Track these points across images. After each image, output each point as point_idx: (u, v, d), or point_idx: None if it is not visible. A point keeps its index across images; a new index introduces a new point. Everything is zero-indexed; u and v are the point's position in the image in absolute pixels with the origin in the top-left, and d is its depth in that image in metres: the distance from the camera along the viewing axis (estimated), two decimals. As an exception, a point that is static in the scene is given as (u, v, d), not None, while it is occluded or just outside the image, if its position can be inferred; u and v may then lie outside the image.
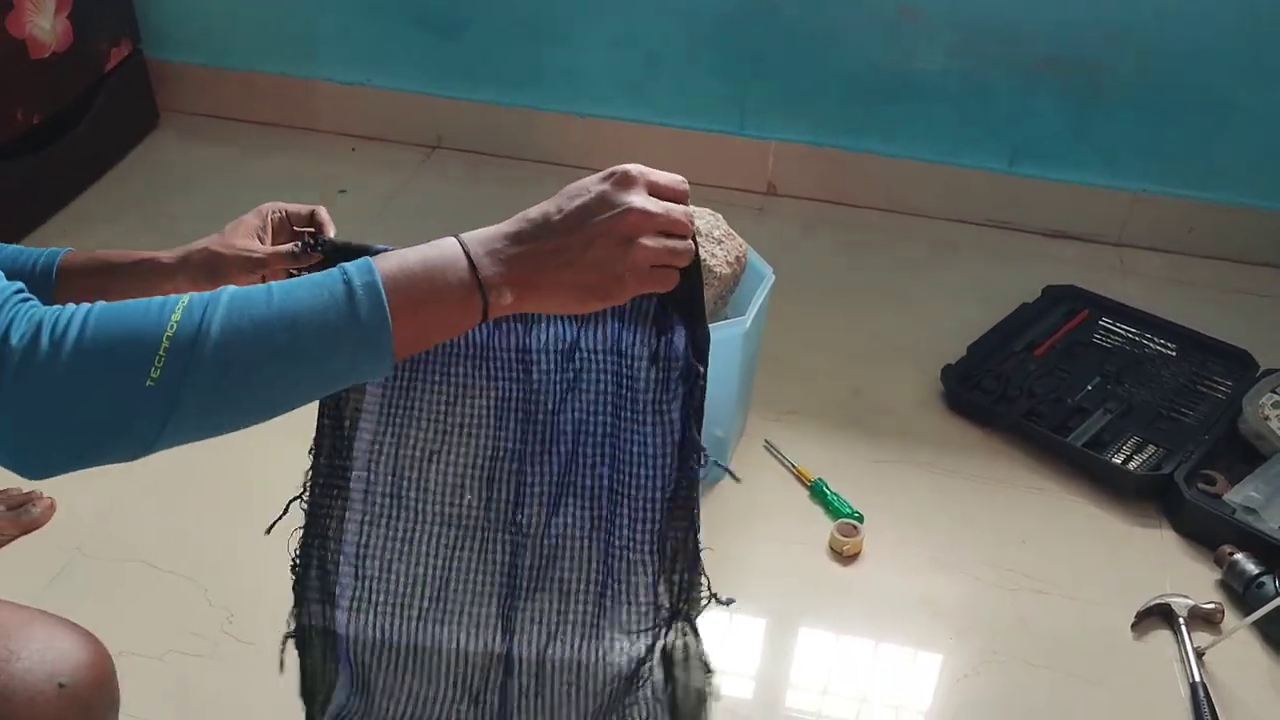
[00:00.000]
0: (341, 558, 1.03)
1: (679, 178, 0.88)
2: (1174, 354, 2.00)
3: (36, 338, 0.71)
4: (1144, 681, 1.49)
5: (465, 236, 0.81)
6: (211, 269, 0.99)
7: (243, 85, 2.59)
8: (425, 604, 1.02)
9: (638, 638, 1.02)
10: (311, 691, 1.08)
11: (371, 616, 1.03)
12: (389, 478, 1.01)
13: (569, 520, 1.00)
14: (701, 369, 0.95)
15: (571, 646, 1.02)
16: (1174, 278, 2.26)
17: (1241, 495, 1.68)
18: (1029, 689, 1.47)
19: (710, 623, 1.55)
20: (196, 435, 0.77)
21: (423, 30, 2.46)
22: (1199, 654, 1.50)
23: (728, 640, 1.53)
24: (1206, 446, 1.77)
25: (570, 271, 0.81)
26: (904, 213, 2.41)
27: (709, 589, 1.05)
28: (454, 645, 1.02)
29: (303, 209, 1.04)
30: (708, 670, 1.07)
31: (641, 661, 1.03)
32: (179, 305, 0.73)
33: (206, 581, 1.55)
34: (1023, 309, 2.08)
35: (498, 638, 1.02)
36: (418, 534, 1.01)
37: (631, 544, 0.99)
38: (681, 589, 1.02)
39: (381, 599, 1.02)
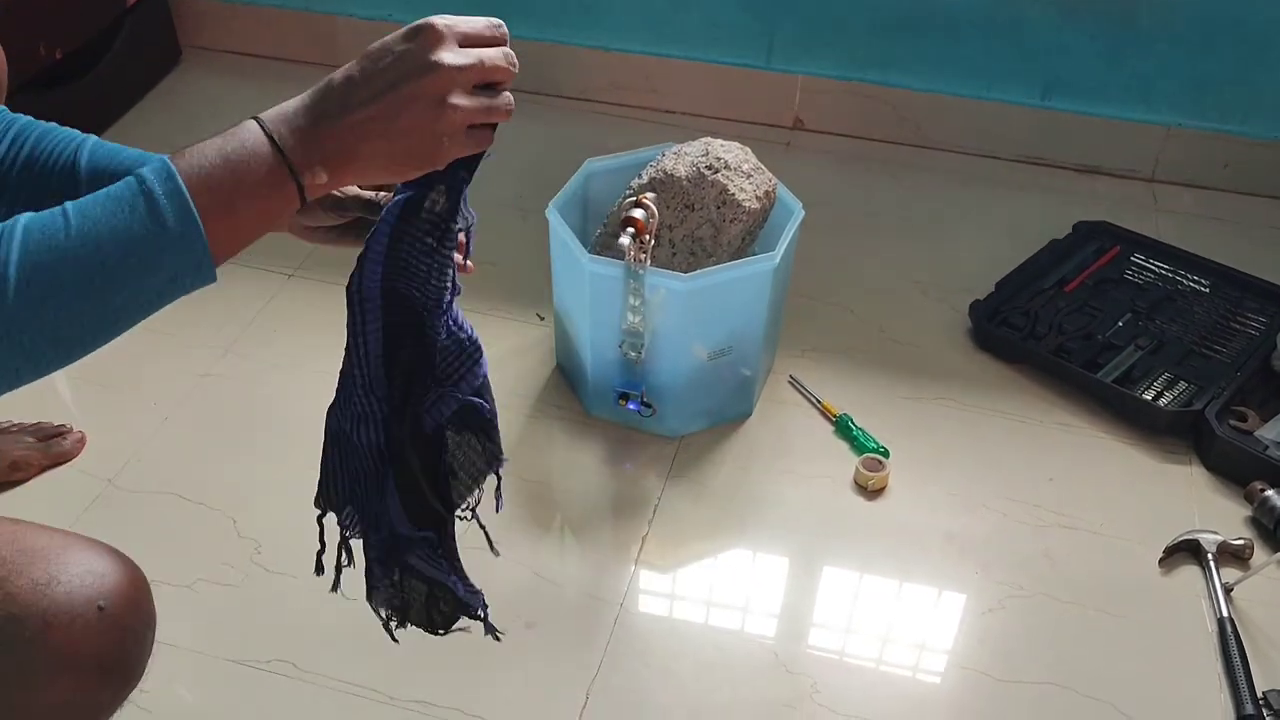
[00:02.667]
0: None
1: (493, 20, 0.80)
2: (1206, 290, 1.97)
3: None
4: (1171, 617, 1.48)
5: (265, 116, 0.76)
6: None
7: (265, 20, 2.57)
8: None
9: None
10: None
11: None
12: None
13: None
14: (466, 216, 0.87)
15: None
16: (1208, 214, 2.23)
17: (1273, 432, 1.67)
18: (1055, 624, 1.47)
19: (734, 557, 1.56)
20: (25, 376, 0.73)
21: (445, -37, 2.43)
22: (1227, 590, 1.49)
23: (752, 574, 1.54)
24: (1238, 383, 1.75)
25: (383, 141, 0.76)
26: (933, 148, 2.37)
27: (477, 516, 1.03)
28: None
29: None
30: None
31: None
32: None
33: (235, 513, 1.57)
34: (1053, 245, 2.05)
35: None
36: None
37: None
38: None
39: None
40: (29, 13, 2.08)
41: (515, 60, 0.80)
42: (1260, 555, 1.54)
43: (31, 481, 1.60)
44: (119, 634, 0.90)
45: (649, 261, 1.46)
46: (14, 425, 1.63)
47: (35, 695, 0.86)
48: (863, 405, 1.75)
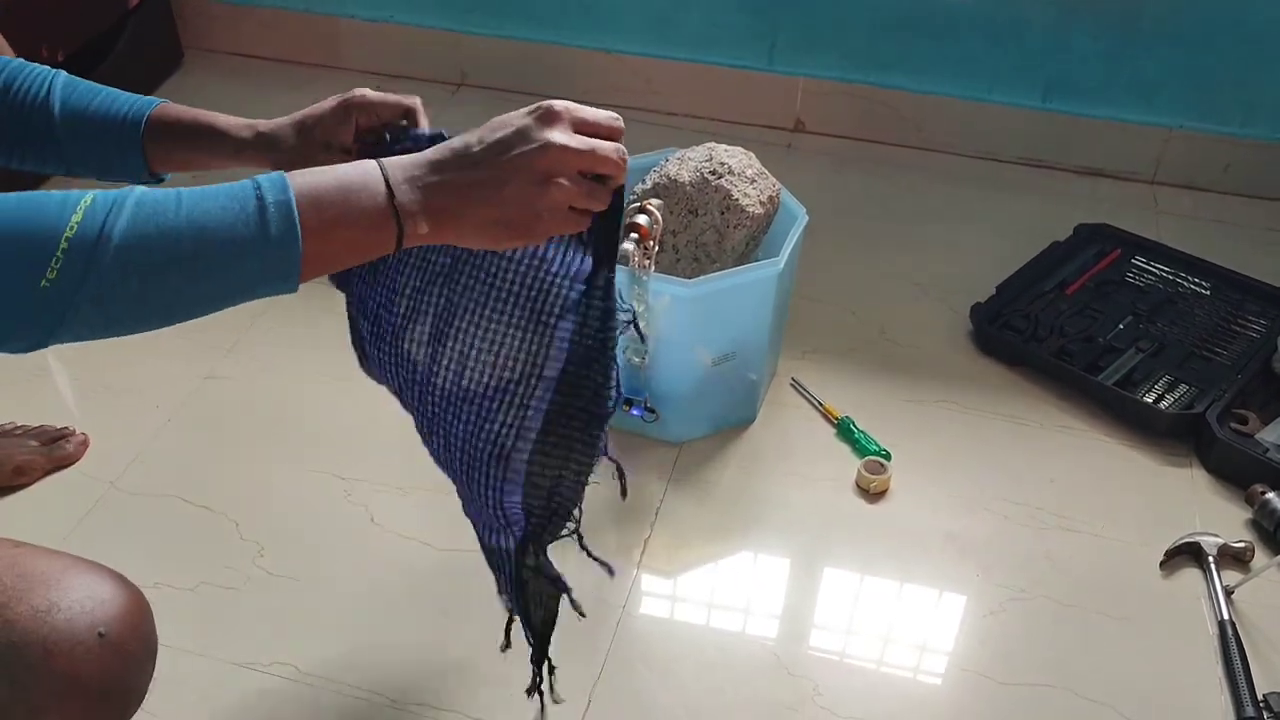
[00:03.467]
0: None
1: (611, 114, 0.84)
2: (1207, 293, 1.97)
3: None
4: (1172, 620, 1.49)
5: (386, 161, 0.79)
6: (291, 150, 0.99)
7: (267, 22, 2.58)
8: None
9: (498, 534, 1.03)
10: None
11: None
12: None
13: (468, 385, 0.98)
14: (613, 310, 0.93)
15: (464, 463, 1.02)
16: (1209, 216, 2.23)
17: (1274, 434, 1.67)
18: (1056, 626, 1.47)
19: (736, 560, 1.56)
20: (91, 337, 0.74)
21: (447, -35, 2.43)
22: (1228, 592, 1.49)
23: (753, 576, 1.54)
24: (1239, 386, 1.75)
25: (487, 207, 0.79)
26: (934, 150, 2.37)
27: (578, 533, 1.06)
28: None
29: (393, 101, 1.00)
30: (557, 589, 1.08)
31: (497, 551, 1.05)
32: (81, 204, 0.71)
33: (238, 516, 1.57)
34: (1054, 247, 2.06)
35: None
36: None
37: (495, 450, 0.98)
38: (544, 516, 1.02)
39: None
40: (31, 14, 2.08)
41: (626, 155, 0.83)
42: (1261, 558, 1.55)
43: (34, 485, 1.60)
44: (120, 660, 0.89)
45: (653, 267, 1.46)
46: (17, 429, 1.64)
47: None
48: (864, 408, 1.76)
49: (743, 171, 1.62)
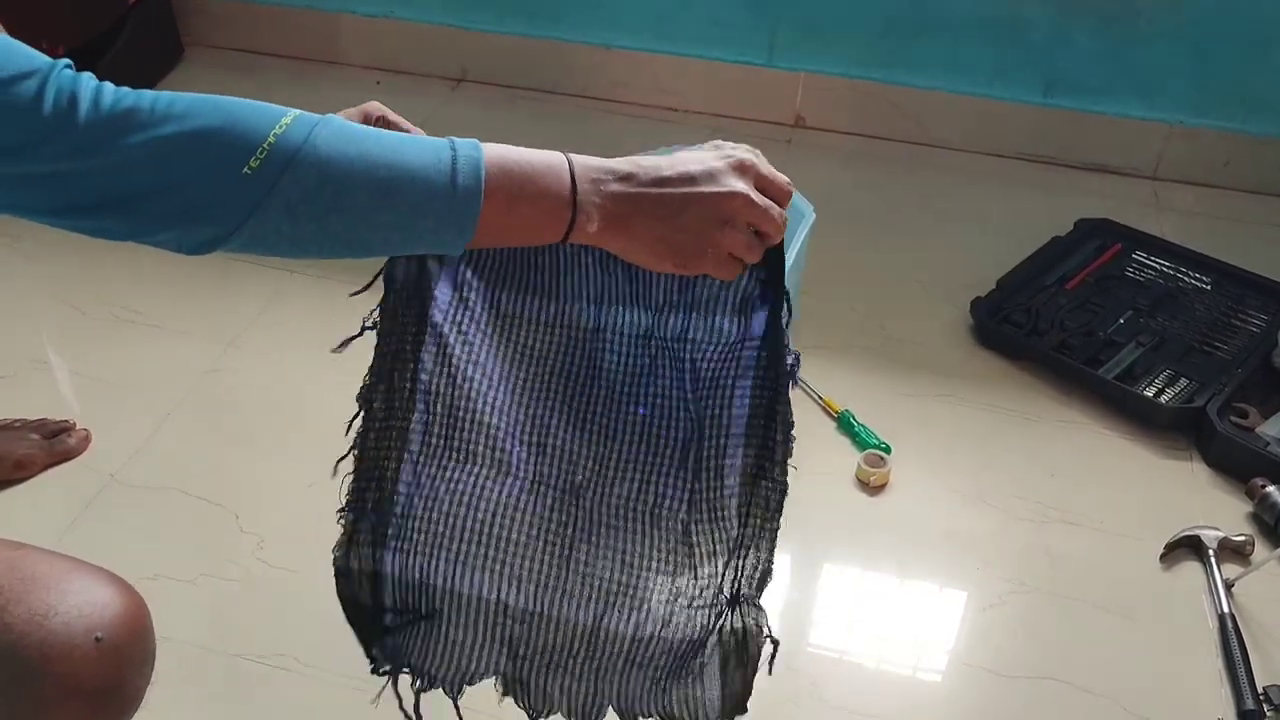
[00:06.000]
0: (396, 497, 1.00)
1: (786, 179, 0.89)
2: (1208, 288, 1.97)
3: (137, 103, 0.72)
4: (1172, 613, 1.48)
5: (573, 157, 0.82)
6: None
7: (267, 18, 2.58)
8: (467, 547, 0.98)
9: (697, 614, 0.99)
10: (360, 629, 1.05)
11: (413, 558, 0.99)
12: (445, 418, 0.99)
13: (632, 492, 0.98)
14: (790, 351, 0.97)
15: (628, 619, 0.98)
16: (1209, 212, 2.23)
17: (1275, 428, 1.67)
18: (1056, 620, 1.47)
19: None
20: (268, 244, 0.76)
21: (447, -39, 2.43)
22: (1228, 586, 1.49)
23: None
24: (1239, 380, 1.75)
25: (661, 226, 0.82)
26: (935, 145, 2.37)
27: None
28: (493, 596, 0.99)
29: (404, 123, 1.01)
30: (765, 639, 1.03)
31: (700, 642, 0.99)
32: (291, 113, 0.75)
33: (238, 509, 1.57)
34: (1055, 242, 2.05)
35: (544, 596, 0.99)
36: (467, 476, 0.98)
37: (700, 521, 0.99)
38: (754, 572, 1.00)
39: (423, 539, 0.99)
40: (31, 9, 2.08)
41: (786, 220, 0.88)
42: (1261, 551, 1.55)
43: (35, 478, 1.60)
44: (117, 664, 0.89)
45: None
46: (17, 422, 1.64)
47: None
48: (865, 401, 1.76)
49: (744, 166, 1.61)
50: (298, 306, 1.92)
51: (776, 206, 0.87)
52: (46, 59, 0.72)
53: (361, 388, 1.02)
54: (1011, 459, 1.69)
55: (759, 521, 0.99)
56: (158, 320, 1.89)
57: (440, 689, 1.04)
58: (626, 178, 0.83)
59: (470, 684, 1.04)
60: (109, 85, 0.73)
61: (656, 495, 0.98)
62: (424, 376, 0.99)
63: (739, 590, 0.99)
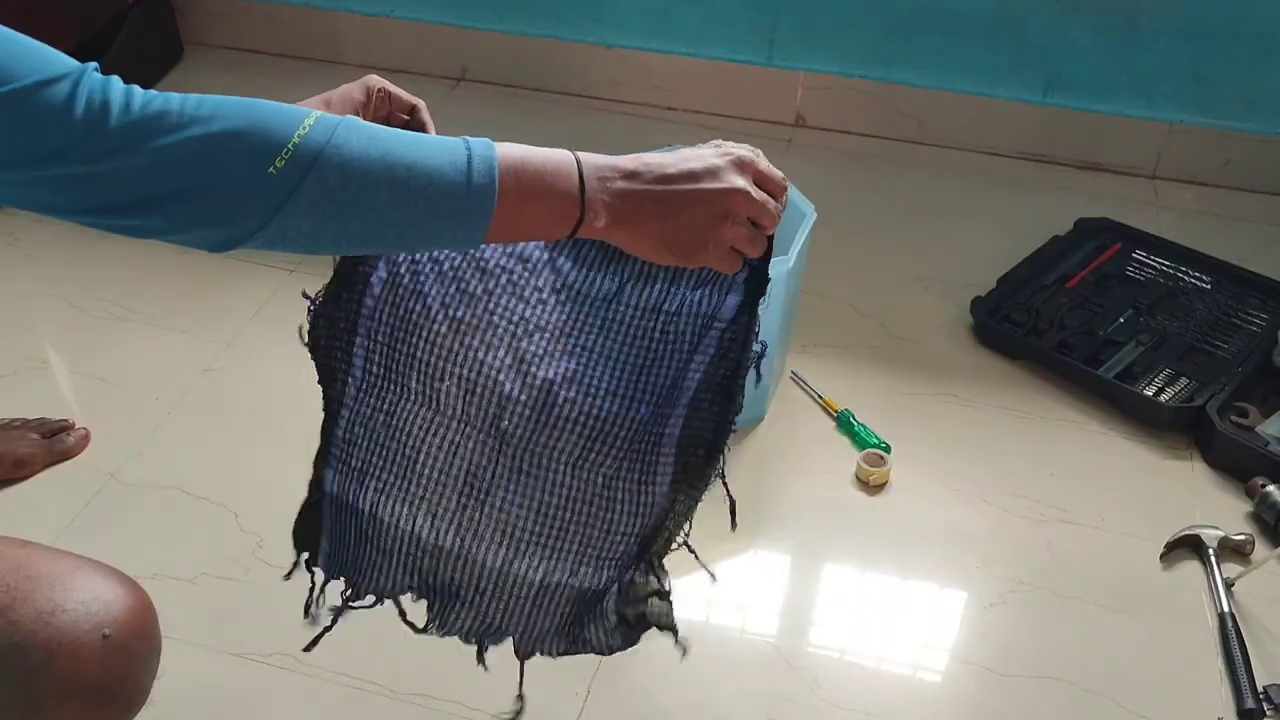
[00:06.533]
0: (339, 419, 1.06)
1: (781, 174, 0.93)
2: (1208, 287, 1.97)
3: (166, 106, 0.74)
4: (1172, 612, 1.48)
5: (581, 155, 0.84)
6: None
7: (267, 17, 2.57)
8: (390, 477, 1.04)
9: (604, 567, 1.05)
10: (297, 541, 1.15)
11: (346, 479, 1.07)
12: (385, 349, 1.03)
13: (559, 443, 1.01)
14: (758, 337, 0.99)
15: (535, 565, 1.04)
16: (1209, 211, 2.22)
17: (1274, 427, 1.67)
18: (1056, 618, 1.47)
19: (735, 552, 1.56)
20: (289, 241, 0.78)
21: (447, -41, 2.43)
22: (1228, 585, 1.49)
23: (753, 569, 1.54)
24: (1240, 379, 1.75)
25: (664, 223, 0.85)
26: (934, 144, 2.37)
27: (688, 542, 1.09)
28: (409, 527, 1.05)
29: (405, 96, 1.05)
30: (663, 600, 1.10)
31: (603, 592, 1.07)
32: (313, 115, 0.76)
33: (238, 508, 1.57)
34: (1054, 241, 2.05)
35: (454, 535, 1.04)
36: (400, 408, 1.03)
37: (628, 480, 1.02)
38: (667, 538, 1.06)
39: (356, 463, 1.06)
40: (30, 10, 2.08)
41: (782, 214, 0.92)
42: (1261, 550, 1.54)
43: (34, 477, 1.60)
44: (123, 661, 0.90)
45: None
46: (16, 422, 1.64)
47: None
48: (864, 401, 1.75)
49: (745, 165, 1.61)
50: (296, 306, 1.91)
51: (773, 200, 0.90)
52: (75, 62, 0.74)
53: (309, 305, 1.08)
54: (1011, 458, 1.69)
55: (684, 493, 1.03)
56: (157, 319, 1.89)
57: (361, 602, 1.12)
58: (632, 175, 0.85)
59: (387, 598, 1.11)
60: (137, 88, 0.75)
61: (584, 449, 1.01)
62: (369, 302, 1.02)
63: (652, 552, 1.05)
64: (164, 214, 0.74)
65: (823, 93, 2.38)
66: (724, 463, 1.03)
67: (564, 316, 1.02)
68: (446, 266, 1.01)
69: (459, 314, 1.00)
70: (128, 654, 0.90)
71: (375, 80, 1.03)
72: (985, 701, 1.38)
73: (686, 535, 1.08)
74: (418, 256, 1.01)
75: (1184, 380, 1.78)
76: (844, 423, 1.72)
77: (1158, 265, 2.01)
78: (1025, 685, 1.39)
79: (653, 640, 1.42)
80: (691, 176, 0.86)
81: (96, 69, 0.75)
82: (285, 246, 0.78)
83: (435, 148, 0.79)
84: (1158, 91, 2.23)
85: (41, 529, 1.51)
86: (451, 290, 1.00)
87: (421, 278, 1.00)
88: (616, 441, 1.00)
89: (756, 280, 0.96)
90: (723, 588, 1.51)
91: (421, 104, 1.06)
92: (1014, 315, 1.90)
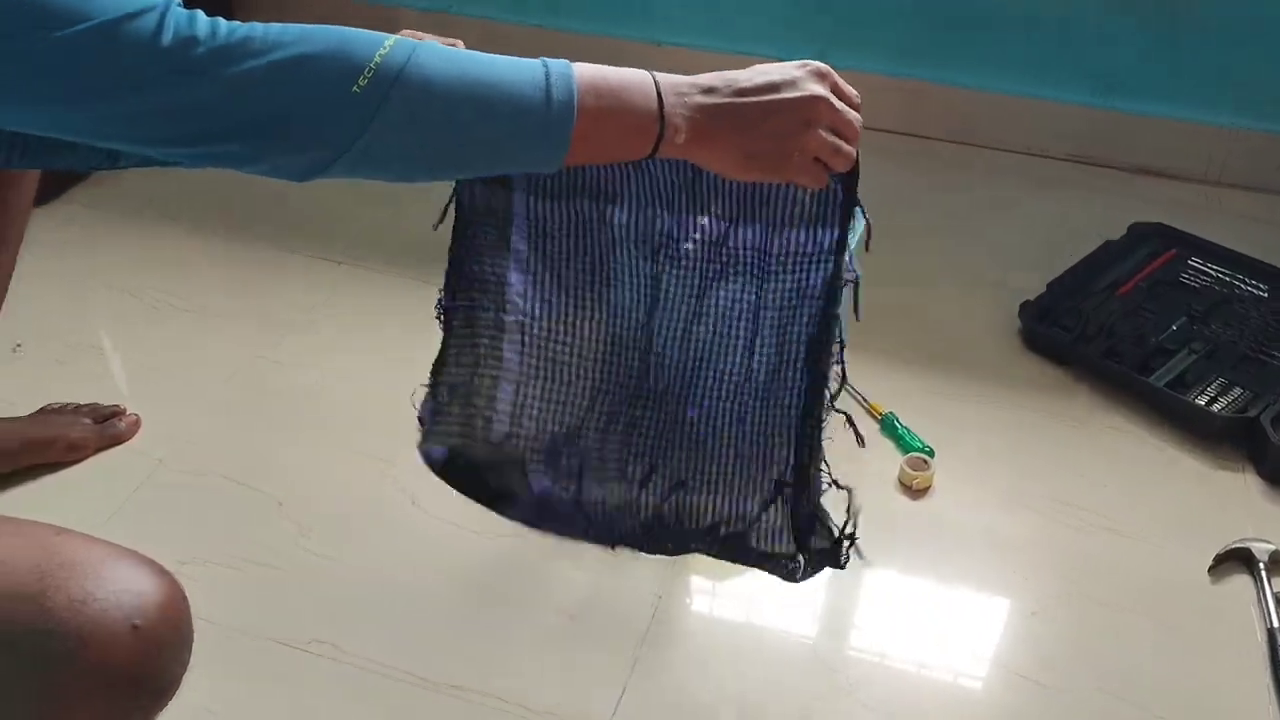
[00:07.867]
0: (495, 415, 1.10)
1: (856, 91, 0.92)
2: (1265, 295, 1.93)
3: (250, 32, 0.76)
4: (1219, 626, 1.46)
5: (658, 74, 0.85)
6: None
7: (331, 7, 2.59)
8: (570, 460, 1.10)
9: (757, 499, 1.14)
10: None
11: (518, 443, 1.11)
12: (541, 343, 1.07)
13: (706, 394, 1.06)
14: (851, 270, 1.03)
15: (698, 495, 1.09)
16: (1267, 217, 2.18)
17: (1330, 440, 1.63)
18: (1099, 629, 1.45)
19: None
20: (375, 163, 0.78)
21: (500, -44, 2.44)
22: (1278, 600, 1.46)
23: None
24: (1295, 390, 1.72)
25: (745, 135, 0.85)
26: (984, 146, 2.35)
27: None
28: (587, 496, 1.11)
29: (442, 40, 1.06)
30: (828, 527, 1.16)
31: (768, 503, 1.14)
32: (392, 38, 0.78)
33: (282, 496, 1.59)
34: (1107, 246, 2.02)
35: (623, 482, 1.09)
36: (559, 388, 1.08)
37: (763, 425, 1.10)
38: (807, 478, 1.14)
39: (528, 428, 1.10)
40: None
41: (862, 127, 0.91)
42: (1313, 565, 1.51)
43: (86, 461, 1.63)
44: (154, 652, 0.89)
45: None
46: (70, 406, 1.67)
47: (67, 713, 0.86)
48: (909, 404, 1.74)
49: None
50: (346, 298, 1.94)
51: (854, 113, 0.90)
52: None
53: (438, 304, 1.10)
54: (1058, 465, 1.67)
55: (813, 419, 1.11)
56: (210, 309, 1.92)
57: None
58: (710, 90, 0.85)
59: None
60: (221, 19, 0.77)
61: (723, 397, 1.06)
62: (515, 299, 1.06)
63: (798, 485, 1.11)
64: (258, 138, 0.76)
65: (869, 93, 2.33)
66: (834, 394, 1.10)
67: (680, 270, 1.05)
68: (569, 243, 1.03)
69: (598, 291, 1.05)
70: (158, 644, 0.89)
71: (409, 34, 1.04)
72: (1024, 711, 1.36)
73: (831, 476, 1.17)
74: (541, 240, 1.03)
75: (1237, 390, 1.75)
76: (888, 426, 1.71)
77: (1213, 272, 1.98)
78: (1065, 696, 1.37)
79: (689, 635, 1.43)
80: (771, 88, 0.86)
81: (180, 2, 0.76)
82: (371, 171, 0.79)
83: (513, 67, 0.80)
84: (1214, 96, 2.19)
85: (91, 512, 1.53)
86: (585, 257, 1.04)
87: (553, 256, 1.04)
88: (746, 393, 1.07)
89: (847, 199, 0.96)
90: (761, 586, 1.50)
91: (459, 43, 1.07)
92: (1063, 320, 1.87)
